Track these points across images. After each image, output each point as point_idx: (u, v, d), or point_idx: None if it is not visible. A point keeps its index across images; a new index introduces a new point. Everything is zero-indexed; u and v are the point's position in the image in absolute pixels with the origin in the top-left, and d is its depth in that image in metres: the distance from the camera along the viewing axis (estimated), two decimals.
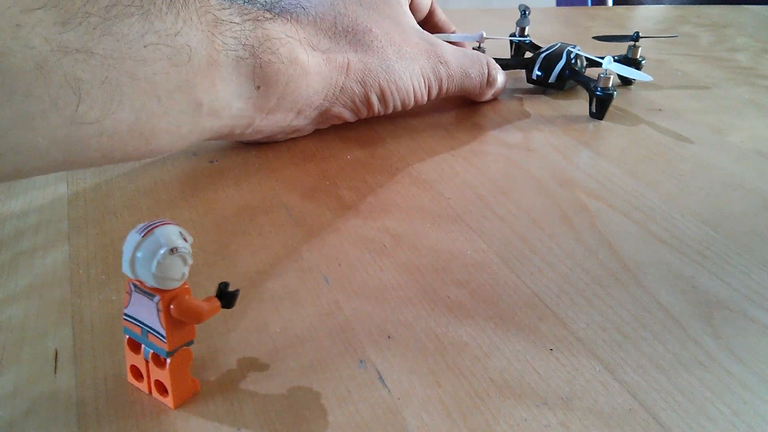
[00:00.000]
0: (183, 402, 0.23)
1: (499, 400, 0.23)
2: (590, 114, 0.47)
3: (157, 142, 0.30)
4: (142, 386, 0.23)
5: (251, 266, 0.30)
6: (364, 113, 0.41)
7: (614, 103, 0.50)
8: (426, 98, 0.43)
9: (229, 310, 0.22)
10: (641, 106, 0.50)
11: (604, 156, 0.42)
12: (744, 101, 0.52)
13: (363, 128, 0.44)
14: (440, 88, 0.43)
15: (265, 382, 0.24)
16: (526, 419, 0.22)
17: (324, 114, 0.40)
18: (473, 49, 0.49)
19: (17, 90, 0.23)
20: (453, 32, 0.50)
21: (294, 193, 0.36)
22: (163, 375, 0.22)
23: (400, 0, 0.43)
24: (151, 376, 0.22)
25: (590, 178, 0.39)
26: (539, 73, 0.50)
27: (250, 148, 0.40)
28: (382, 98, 0.40)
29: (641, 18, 0.84)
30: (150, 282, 0.20)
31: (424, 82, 0.42)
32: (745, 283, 0.30)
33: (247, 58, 0.33)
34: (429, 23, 0.49)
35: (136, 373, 0.23)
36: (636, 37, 0.53)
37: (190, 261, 0.21)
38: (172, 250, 0.20)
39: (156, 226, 0.20)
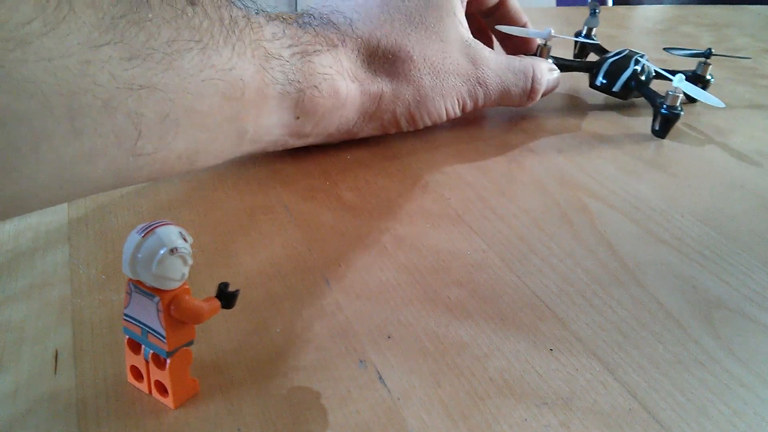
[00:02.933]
0: (183, 402, 0.23)
1: (499, 400, 0.23)
2: (652, 131, 0.45)
3: (198, 165, 0.31)
4: (142, 386, 0.23)
5: (251, 266, 0.30)
6: (392, 132, 0.41)
7: (610, 100, 0.50)
8: (460, 115, 0.42)
9: (229, 310, 0.22)
10: (641, 105, 0.50)
11: (604, 156, 0.42)
12: (744, 101, 0.52)
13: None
14: (475, 106, 0.43)
15: (265, 382, 0.24)
16: (526, 419, 0.22)
17: (352, 135, 0.40)
18: (540, 45, 0.47)
19: (85, 128, 0.24)
20: (524, 25, 0.47)
21: (294, 193, 0.36)
22: (163, 375, 0.22)
23: (453, 9, 0.41)
24: (151, 377, 0.22)
25: (590, 178, 0.39)
26: (604, 81, 0.47)
27: None
28: (411, 121, 0.41)
29: (641, 18, 0.84)
30: (150, 282, 0.20)
31: (458, 103, 0.41)
32: (745, 283, 0.30)
33: (291, 93, 0.33)
34: (499, 13, 0.47)
35: (136, 374, 0.23)
36: (708, 54, 0.50)
37: (190, 261, 0.21)
38: (172, 251, 0.20)
39: (156, 227, 0.20)
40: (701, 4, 0.91)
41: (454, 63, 0.41)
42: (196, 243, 0.21)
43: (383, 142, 0.42)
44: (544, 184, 0.38)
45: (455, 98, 0.41)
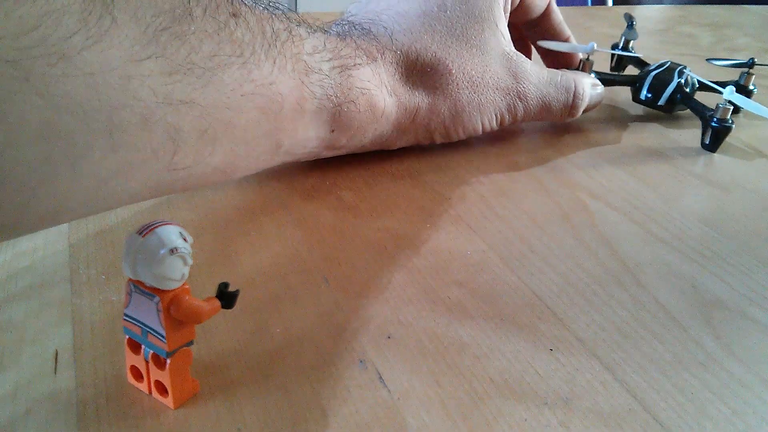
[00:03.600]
0: (183, 402, 0.22)
1: (499, 400, 0.23)
2: (702, 145, 0.44)
3: (234, 176, 0.31)
4: (142, 387, 0.23)
5: (251, 266, 0.30)
6: (425, 144, 0.41)
7: (613, 100, 0.50)
8: (497, 128, 0.41)
9: (229, 310, 0.22)
10: (641, 105, 0.50)
11: (604, 156, 0.42)
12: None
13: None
14: (514, 120, 0.41)
15: (265, 382, 0.24)
16: (526, 419, 0.22)
17: (385, 147, 0.39)
18: (582, 60, 0.46)
19: (123, 143, 0.23)
20: (566, 39, 0.47)
21: (294, 193, 0.36)
22: (163, 375, 0.22)
23: (495, 17, 0.40)
24: (151, 377, 0.22)
25: (590, 178, 0.39)
26: (648, 95, 0.47)
27: None
28: (446, 135, 0.40)
29: (641, 18, 0.84)
30: (150, 282, 0.20)
31: (496, 118, 0.40)
32: (745, 283, 0.30)
33: (328, 107, 0.33)
34: (542, 26, 0.46)
35: (136, 374, 0.23)
36: (751, 64, 0.49)
37: (190, 261, 0.21)
38: (172, 251, 0.20)
39: (156, 226, 0.20)
40: (701, 4, 0.91)
41: (494, 77, 0.40)
42: (196, 243, 0.21)
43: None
44: (544, 184, 0.38)
45: (493, 113, 0.40)
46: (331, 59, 0.33)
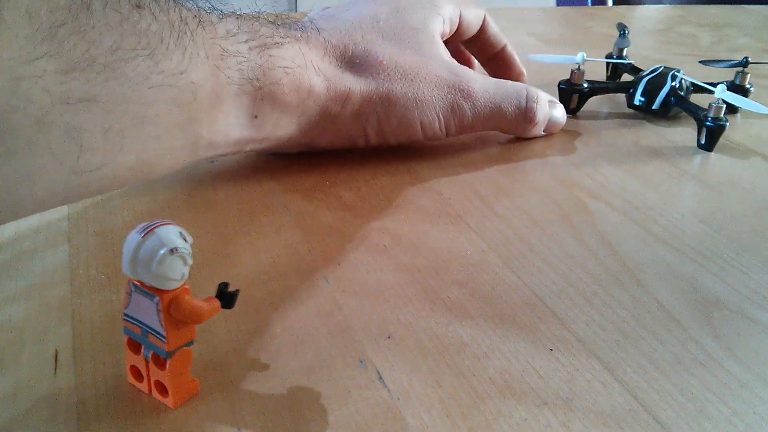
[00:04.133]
0: (183, 402, 0.22)
1: (499, 400, 0.23)
2: (698, 145, 0.44)
3: (153, 175, 0.30)
4: (142, 386, 0.23)
5: (251, 266, 0.30)
6: (361, 145, 0.39)
7: (613, 99, 0.50)
8: (443, 135, 0.39)
9: (229, 310, 0.22)
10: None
11: (604, 156, 0.42)
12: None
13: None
14: (461, 125, 0.39)
15: (265, 382, 0.24)
16: (526, 419, 0.22)
17: (313, 142, 0.38)
18: (573, 71, 0.47)
19: (18, 148, 0.22)
20: (503, 46, 0.46)
21: (294, 193, 0.36)
22: (163, 375, 0.22)
23: (431, 32, 0.40)
24: (151, 377, 0.22)
25: (590, 178, 0.39)
26: (642, 99, 0.47)
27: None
28: (381, 133, 0.38)
29: (641, 18, 0.84)
30: (150, 282, 0.20)
31: (439, 120, 0.38)
32: (745, 283, 0.30)
33: (249, 91, 0.32)
34: (481, 39, 0.46)
35: (136, 374, 0.23)
36: (745, 63, 0.50)
37: (190, 261, 0.21)
38: (172, 251, 0.20)
39: (156, 226, 0.20)
40: (701, 4, 0.91)
41: (431, 74, 0.38)
42: (196, 243, 0.21)
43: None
44: (544, 184, 0.38)
45: (434, 112, 0.38)
46: (248, 40, 0.32)
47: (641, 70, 0.50)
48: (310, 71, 0.34)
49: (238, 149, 0.34)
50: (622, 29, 0.54)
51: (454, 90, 0.38)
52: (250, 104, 0.32)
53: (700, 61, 0.54)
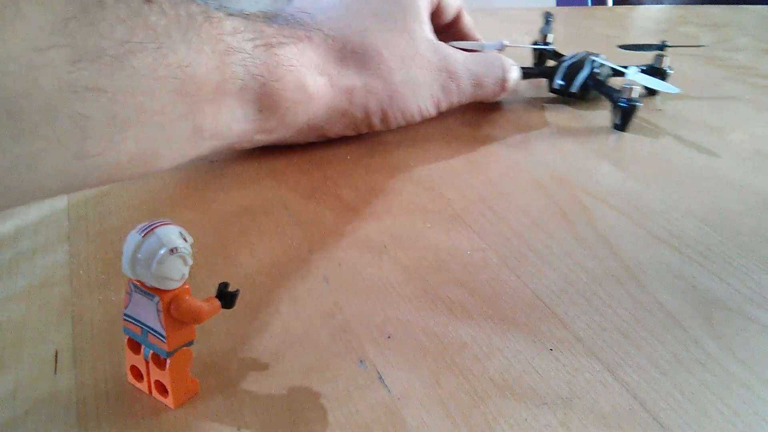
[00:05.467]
0: (183, 402, 0.23)
1: (499, 400, 0.23)
2: (613, 126, 0.46)
3: (156, 165, 0.30)
4: (142, 386, 0.23)
5: (251, 266, 0.30)
6: (364, 131, 0.41)
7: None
8: (435, 113, 0.42)
9: (229, 310, 0.22)
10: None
11: (604, 156, 0.42)
12: (744, 101, 0.52)
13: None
14: (451, 102, 0.43)
15: (265, 382, 0.24)
16: (526, 419, 0.22)
17: (324, 133, 0.40)
18: None
19: (24, 131, 0.23)
20: (478, 40, 0.48)
21: (294, 193, 0.36)
22: (163, 375, 0.22)
23: (419, 9, 0.42)
24: (151, 377, 0.22)
25: (590, 178, 0.39)
26: (561, 83, 0.49)
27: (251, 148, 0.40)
28: (385, 120, 0.40)
29: (641, 18, 0.84)
30: (150, 282, 0.20)
31: (432, 101, 0.42)
32: (745, 283, 0.30)
33: (253, 87, 0.33)
34: (453, 29, 0.48)
35: (136, 374, 0.23)
36: (662, 47, 0.52)
37: (190, 261, 0.21)
38: (172, 251, 0.20)
39: (156, 226, 0.20)
40: (701, 4, 0.91)
41: (424, 59, 0.41)
42: (196, 243, 0.21)
43: (382, 143, 0.42)
44: (544, 184, 0.38)
45: (428, 95, 0.41)
46: (253, 39, 0.33)
47: (564, 56, 0.52)
48: (312, 70, 0.36)
49: (245, 141, 0.36)
50: (548, 17, 0.56)
51: (443, 72, 0.41)
52: (255, 99, 0.33)
53: (618, 46, 0.56)
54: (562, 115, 0.48)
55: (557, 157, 0.41)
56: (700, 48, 0.67)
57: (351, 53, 0.38)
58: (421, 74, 0.40)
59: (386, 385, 0.24)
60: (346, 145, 0.41)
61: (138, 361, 0.22)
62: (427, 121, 0.45)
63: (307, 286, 0.29)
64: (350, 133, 0.41)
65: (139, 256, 0.20)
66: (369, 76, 0.39)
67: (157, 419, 0.22)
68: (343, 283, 0.29)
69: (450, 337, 0.26)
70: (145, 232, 0.20)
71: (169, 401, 0.22)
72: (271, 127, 0.35)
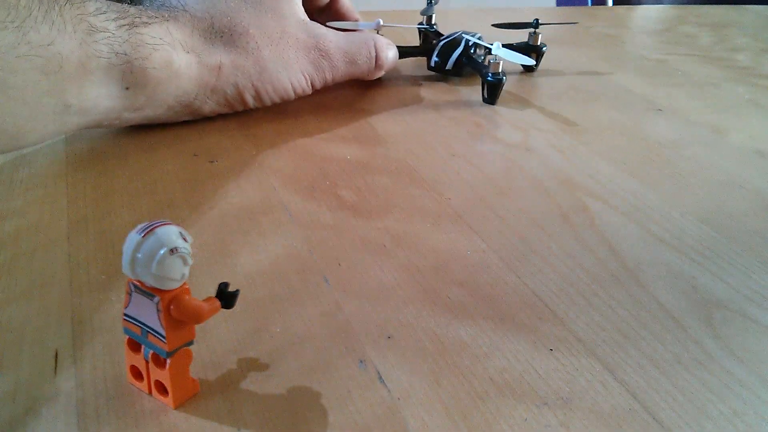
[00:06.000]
0: (183, 402, 0.22)
1: (499, 400, 0.23)
2: (483, 99, 0.48)
3: (23, 140, 0.32)
4: (142, 386, 0.23)
5: (251, 266, 0.30)
6: (240, 109, 0.42)
7: (613, 100, 0.50)
8: (310, 90, 0.44)
9: (229, 310, 0.22)
10: (641, 106, 0.50)
11: (604, 156, 0.42)
12: (744, 101, 0.52)
13: (363, 128, 0.44)
14: (324, 80, 0.44)
15: (265, 382, 0.24)
16: (526, 419, 0.22)
17: (196, 110, 0.41)
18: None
19: None
20: (356, 20, 0.50)
21: (294, 193, 0.36)
22: (163, 375, 0.22)
23: None
24: (151, 376, 0.22)
25: (590, 178, 0.39)
26: (437, 60, 0.52)
27: (250, 148, 0.40)
28: (258, 97, 0.42)
29: (641, 18, 0.84)
30: (150, 282, 0.20)
31: (305, 78, 0.43)
32: (745, 283, 0.30)
33: (118, 64, 0.34)
34: (331, 10, 0.49)
35: (136, 373, 0.23)
36: (536, 25, 0.55)
37: (190, 261, 0.21)
38: (172, 251, 0.20)
39: (156, 227, 0.20)
40: (701, 4, 0.91)
41: (294, 37, 0.42)
42: (196, 243, 0.21)
43: (382, 143, 0.42)
44: (544, 184, 0.38)
45: (299, 72, 0.42)
46: (116, 18, 0.34)
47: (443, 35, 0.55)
48: (177, 48, 0.37)
49: (114, 118, 0.37)
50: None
51: (314, 50, 0.43)
52: (120, 77, 0.35)
53: (493, 24, 0.59)
54: (439, 91, 0.51)
55: (557, 157, 0.41)
56: (699, 47, 0.67)
57: (218, 32, 0.39)
58: (291, 52, 0.42)
59: (386, 386, 0.24)
60: (346, 145, 0.41)
61: (138, 361, 0.22)
62: (425, 121, 0.45)
63: (307, 286, 0.29)
64: (225, 110, 0.42)
65: (139, 256, 0.20)
66: (237, 53, 0.40)
67: (157, 419, 0.22)
68: (343, 283, 0.29)
69: (450, 337, 0.26)
70: (145, 232, 0.20)
71: (169, 401, 0.22)
72: (140, 104, 0.37)
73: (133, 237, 0.20)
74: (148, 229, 0.20)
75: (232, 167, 0.38)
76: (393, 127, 0.44)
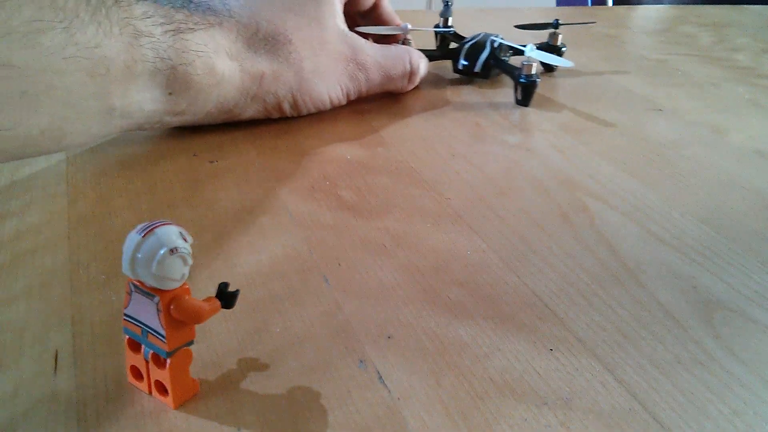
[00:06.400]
0: (183, 402, 0.22)
1: (499, 400, 0.23)
2: (516, 101, 0.48)
3: (67, 142, 0.32)
4: (142, 386, 0.23)
5: (251, 266, 0.30)
6: (276, 116, 0.42)
7: (613, 100, 0.50)
8: (345, 101, 0.44)
9: (229, 310, 0.22)
10: (641, 106, 0.50)
11: (604, 156, 0.42)
12: (744, 101, 0.52)
13: (363, 128, 0.44)
14: (359, 92, 0.45)
15: (265, 382, 0.24)
16: (526, 419, 0.22)
17: (236, 116, 0.41)
18: (401, 41, 0.50)
19: None
20: (398, 25, 0.50)
21: (294, 194, 0.36)
22: (163, 375, 0.22)
23: (333, 3, 0.43)
24: (151, 377, 0.22)
25: (590, 178, 0.39)
26: (465, 63, 0.51)
27: (250, 148, 0.40)
28: (295, 106, 0.42)
29: (641, 18, 0.84)
30: (150, 282, 0.20)
31: (341, 90, 0.43)
32: (745, 283, 0.30)
33: (163, 69, 0.34)
34: (373, 15, 0.49)
35: (136, 374, 0.23)
36: (556, 25, 0.55)
37: (190, 261, 0.21)
38: (172, 251, 0.20)
39: (156, 227, 0.20)
40: (701, 4, 0.91)
41: (334, 49, 0.42)
42: (196, 243, 0.21)
43: (382, 143, 0.42)
44: (544, 184, 0.38)
45: (337, 84, 0.43)
46: (162, 23, 0.34)
47: (464, 38, 0.54)
48: (221, 55, 0.37)
49: (155, 121, 0.37)
50: (447, 1, 0.58)
51: (352, 63, 0.43)
52: (164, 82, 0.35)
53: (515, 26, 0.58)
54: (469, 94, 0.50)
55: (557, 157, 0.41)
56: (700, 47, 0.67)
57: (262, 40, 0.39)
58: (330, 63, 0.42)
59: (386, 385, 0.24)
60: (346, 145, 0.41)
61: (138, 361, 0.22)
62: (425, 121, 0.45)
63: (307, 285, 0.29)
64: (262, 116, 0.42)
65: (139, 256, 0.20)
66: (279, 63, 0.40)
67: (157, 419, 0.22)
68: (343, 283, 0.29)
69: (450, 337, 0.26)
70: (145, 232, 0.20)
71: (169, 401, 0.22)
72: (181, 109, 0.37)
73: (133, 237, 0.20)
74: (148, 229, 0.20)
75: (232, 167, 0.38)
76: (393, 127, 0.44)
